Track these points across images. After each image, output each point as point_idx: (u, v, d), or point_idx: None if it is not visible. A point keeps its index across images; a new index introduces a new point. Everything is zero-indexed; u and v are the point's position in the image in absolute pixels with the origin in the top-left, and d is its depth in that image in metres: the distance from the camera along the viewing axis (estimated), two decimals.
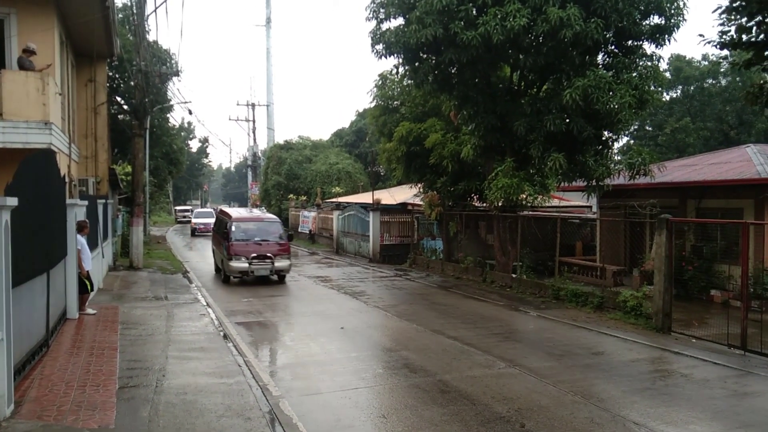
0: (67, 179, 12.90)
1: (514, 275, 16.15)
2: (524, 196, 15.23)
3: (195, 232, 39.50)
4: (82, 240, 11.07)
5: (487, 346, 9.74)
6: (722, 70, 37.45)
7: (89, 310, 11.27)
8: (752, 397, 7.49)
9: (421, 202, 21.58)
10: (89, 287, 11.41)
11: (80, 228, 11.02)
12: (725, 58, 20.72)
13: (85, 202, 12.08)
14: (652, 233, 12.50)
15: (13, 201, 5.84)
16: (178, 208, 63.86)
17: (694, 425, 6.37)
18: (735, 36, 10.49)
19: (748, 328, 9.58)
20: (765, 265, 12.64)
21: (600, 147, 15.23)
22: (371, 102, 22.04)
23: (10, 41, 13.03)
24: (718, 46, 10.74)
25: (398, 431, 6.12)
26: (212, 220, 38.06)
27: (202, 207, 75.89)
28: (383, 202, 25.41)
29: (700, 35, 13.01)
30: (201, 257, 24.95)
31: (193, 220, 41.89)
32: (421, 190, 21.14)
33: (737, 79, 36.02)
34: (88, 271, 11.21)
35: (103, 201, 16.56)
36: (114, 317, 11.21)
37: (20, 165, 6.71)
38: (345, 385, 7.68)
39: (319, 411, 6.72)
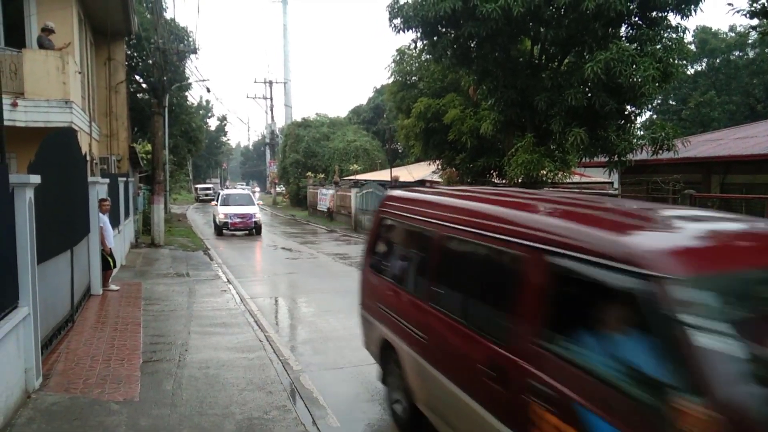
0: (88, 157, 13.02)
1: None
2: (545, 172, 15.03)
3: (225, 229, 24.28)
4: (104, 217, 11.20)
5: None
6: (750, 41, 36.39)
7: (112, 287, 11.46)
8: None
9: (439, 179, 21.45)
10: (112, 264, 11.59)
11: (102, 205, 11.15)
12: (754, 28, 20.09)
13: (107, 180, 12.20)
14: None
15: (36, 179, 5.91)
16: (198, 186, 63.90)
17: None
18: (767, 3, 10.15)
19: None
20: None
21: (622, 122, 14.92)
22: (389, 78, 21.86)
23: (29, 20, 13.09)
24: (747, 15, 10.42)
25: None
26: (253, 211, 24.55)
27: (227, 186, 70.42)
28: (401, 179, 25.33)
29: (729, 4, 12.57)
30: (225, 242, 25.01)
31: (220, 210, 24.51)
32: (440, 166, 20.99)
33: (766, 50, 35.00)
34: (111, 248, 11.37)
35: (124, 179, 16.72)
36: (137, 293, 11.39)
37: (42, 143, 6.77)
38: (365, 359, 7.71)
39: (339, 385, 6.79)
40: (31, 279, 5.83)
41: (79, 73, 13.93)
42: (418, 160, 26.91)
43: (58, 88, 11.91)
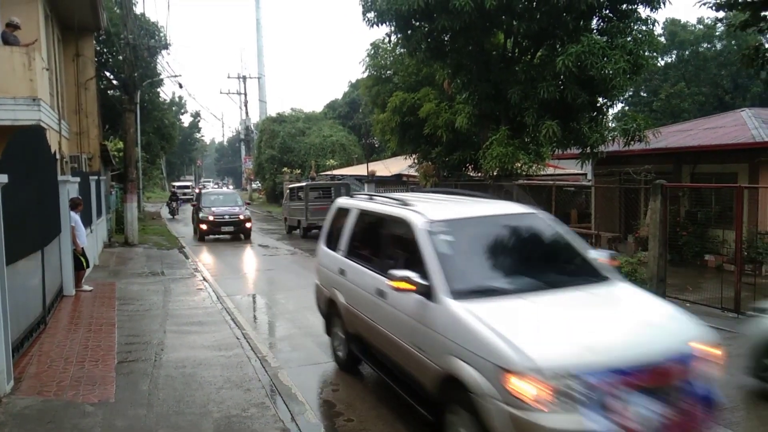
0: (58, 156, 12.76)
1: None
2: (519, 165, 15.16)
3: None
4: (76, 217, 11.00)
5: None
6: (717, 33, 37.15)
7: (86, 287, 11.26)
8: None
9: (416, 173, 21.51)
10: (85, 264, 11.39)
11: (74, 205, 10.94)
12: (721, 20, 20.51)
13: (78, 179, 11.97)
14: (647, 199, 12.51)
15: (3, 178, 5.77)
16: (176, 184, 62.52)
17: None
18: None
19: (741, 291, 9.65)
20: (759, 228, 12.70)
21: (594, 114, 15.12)
22: (364, 72, 21.81)
23: None
24: (714, 8, 10.62)
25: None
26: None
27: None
28: (378, 173, 25.36)
29: None
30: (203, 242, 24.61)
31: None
32: (416, 160, 21.04)
33: (732, 42, 35.75)
34: (83, 248, 11.18)
35: (96, 177, 16.41)
36: (111, 293, 11.22)
37: (9, 142, 6.62)
38: None
39: (318, 381, 6.78)
40: (0, 281, 5.71)
41: (47, 69, 13.62)
42: (394, 155, 26.92)
43: (24, 85, 11.61)
